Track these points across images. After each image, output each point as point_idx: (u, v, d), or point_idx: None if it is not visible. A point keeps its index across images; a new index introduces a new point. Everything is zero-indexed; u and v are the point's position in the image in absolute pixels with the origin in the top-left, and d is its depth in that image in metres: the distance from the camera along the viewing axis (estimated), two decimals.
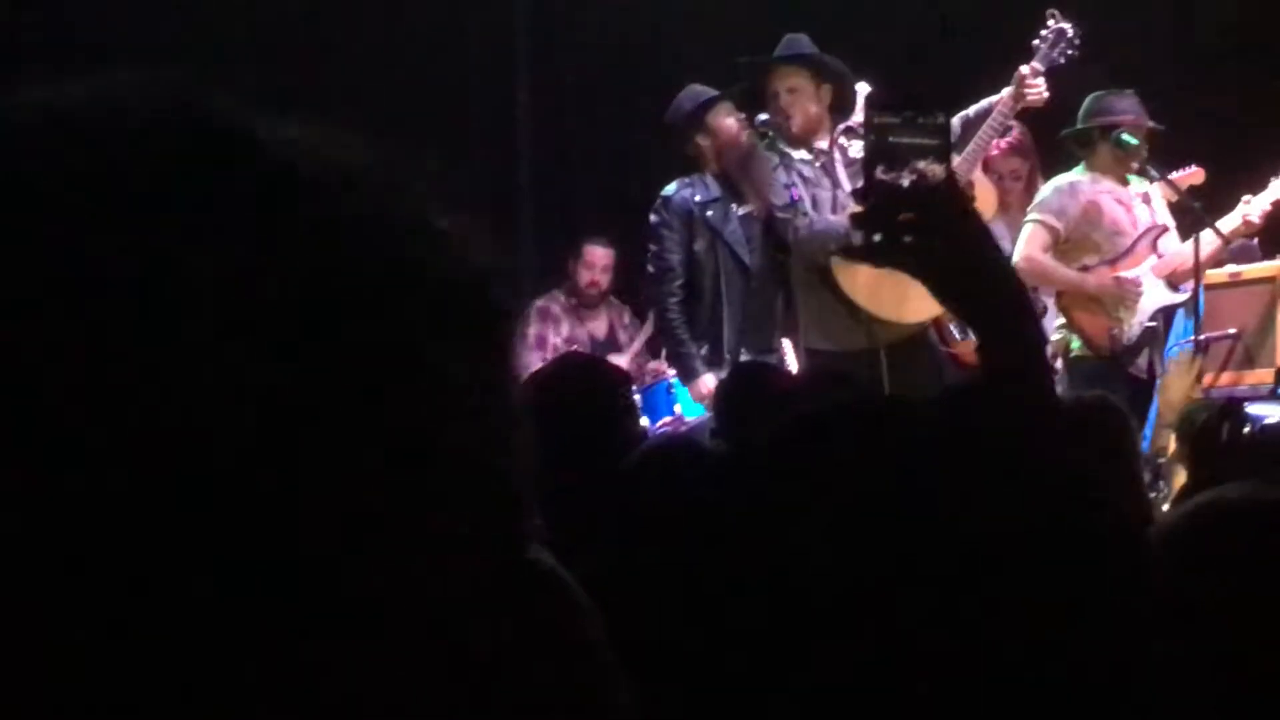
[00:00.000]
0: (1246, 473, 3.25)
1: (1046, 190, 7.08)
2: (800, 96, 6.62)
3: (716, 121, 6.91)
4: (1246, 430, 4.11)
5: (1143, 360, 7.05)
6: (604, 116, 9.51)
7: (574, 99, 9.87)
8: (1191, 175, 7.34)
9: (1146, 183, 7.16)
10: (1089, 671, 1.07)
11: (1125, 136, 6.92)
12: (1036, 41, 6.61)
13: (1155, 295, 7.03)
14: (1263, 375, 6.74)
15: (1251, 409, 5.42)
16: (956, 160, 6.64)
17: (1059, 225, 6.96)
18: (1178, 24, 8.99)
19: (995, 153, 7.46)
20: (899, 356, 6.47)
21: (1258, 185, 6.97)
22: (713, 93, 6.95)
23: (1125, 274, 6.99)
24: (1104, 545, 1.12)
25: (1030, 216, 7.04)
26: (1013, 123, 7.21)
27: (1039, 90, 6.52)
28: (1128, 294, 6.96)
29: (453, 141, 9.49)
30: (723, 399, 5.08)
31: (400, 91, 9.25)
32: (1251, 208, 6.86)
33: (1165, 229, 7.13)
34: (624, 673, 1.45)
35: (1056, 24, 6.64)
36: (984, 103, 6.63)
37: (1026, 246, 6.96)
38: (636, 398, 6.22)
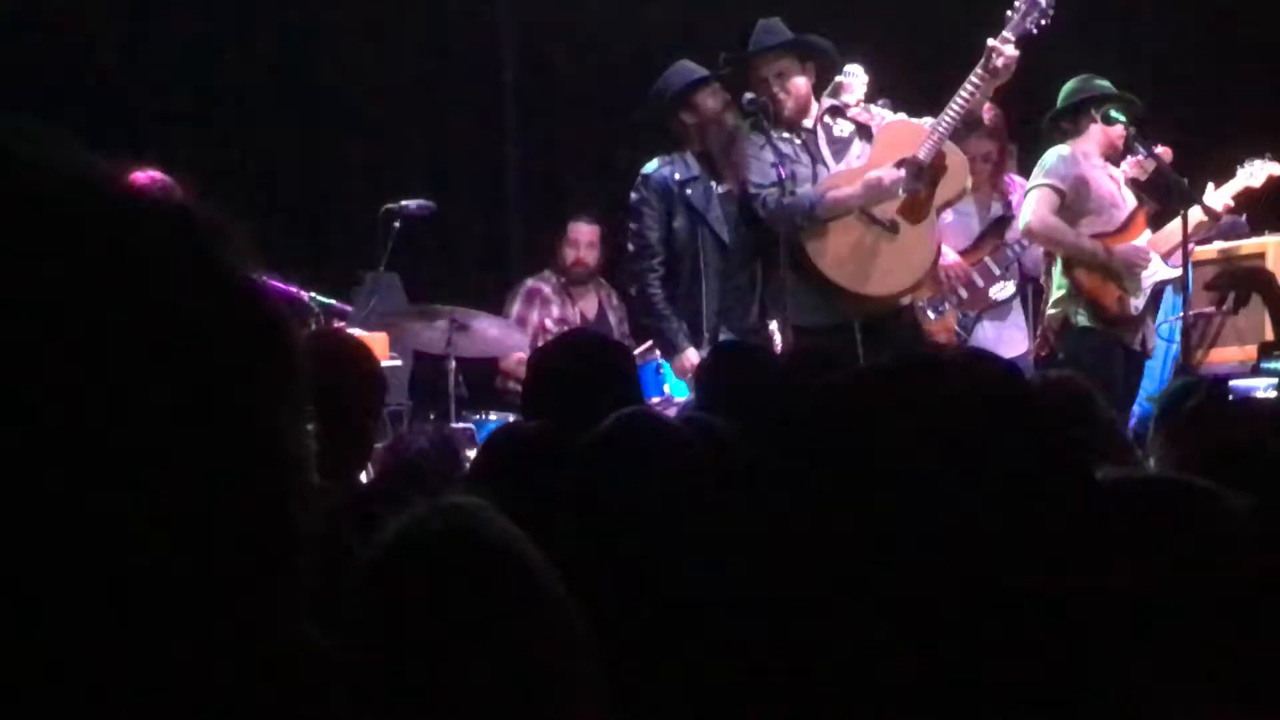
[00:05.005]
0: (1236, 442, 3.26)
1: (1050, 158, 7.13)
2: (789, 79, 6.72)
3: (700, 101, 6.92)
4: (1230, 401, 4.13)
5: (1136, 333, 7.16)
6: (591, 95, 9.50)
7: (561, 77, 9.86)
8: (1160, 154, 7.38)
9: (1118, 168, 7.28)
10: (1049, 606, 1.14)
11: (1113, 112, 6.98)
12: (1010, 12, 6.65)
13: (1155, 269, 7.14)
14: (1249, 351, 6.79)
15: (1236, 384, 5.47)
16: (925, 134, 6.70)
17: (1064, 188, 7.05)
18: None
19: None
20: (876, 332, 6.50)
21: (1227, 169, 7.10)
22: (703, 72, 6.96)
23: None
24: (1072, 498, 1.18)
25: (1036, 182, 7.11)
26: (987, 104, 7.21)
27: (1008, 58, 6.55)
28: (1141, 263, 7.06)
29: (440, 122, 9.49)
30: (703, 377, 5.09)
31: (387, 73, 9.24)
32: (1218, 195, 7.01)
33: (1155, 207, 7.23)
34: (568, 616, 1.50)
35: None
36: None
37: (1037, 209, 7.04)
38: None
